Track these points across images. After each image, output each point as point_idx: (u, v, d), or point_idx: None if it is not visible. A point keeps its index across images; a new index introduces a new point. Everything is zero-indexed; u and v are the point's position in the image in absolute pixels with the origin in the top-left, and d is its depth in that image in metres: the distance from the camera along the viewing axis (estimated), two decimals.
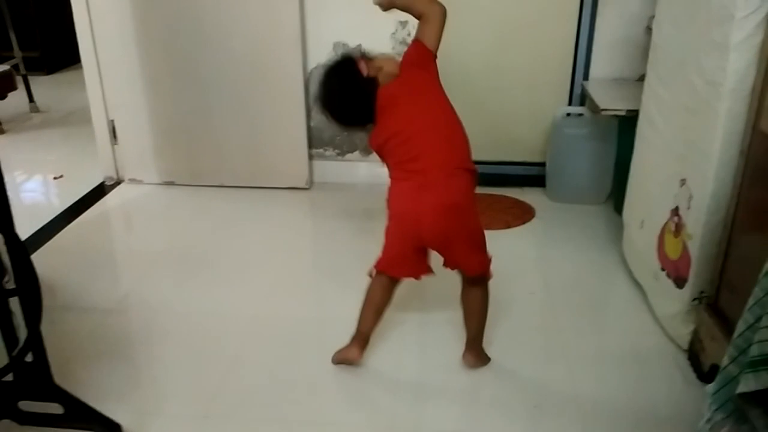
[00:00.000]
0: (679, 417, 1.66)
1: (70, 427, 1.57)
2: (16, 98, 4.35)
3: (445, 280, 1.77)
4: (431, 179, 1.64)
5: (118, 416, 1.57)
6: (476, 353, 1.85)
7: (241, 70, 2.98)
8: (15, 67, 4.40)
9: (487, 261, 1.76)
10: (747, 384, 1.18)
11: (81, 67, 3.10)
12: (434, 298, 2.14)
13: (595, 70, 2.99)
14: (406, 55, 1.78)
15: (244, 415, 1.70)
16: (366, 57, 1.76)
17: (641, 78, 2.46)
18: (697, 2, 1.81)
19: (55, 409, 1.54)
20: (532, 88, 3.13)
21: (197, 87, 3.03)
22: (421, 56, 1.73)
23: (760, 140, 1.60)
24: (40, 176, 3.46)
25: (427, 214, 1.63)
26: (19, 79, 4.36)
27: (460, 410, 1.72)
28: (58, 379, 1.54)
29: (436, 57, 1.75)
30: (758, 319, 1.20)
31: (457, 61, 3.12)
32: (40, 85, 4.83)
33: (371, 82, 1.70)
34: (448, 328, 1.96)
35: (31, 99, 4.53)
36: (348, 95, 1.74)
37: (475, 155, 3.23)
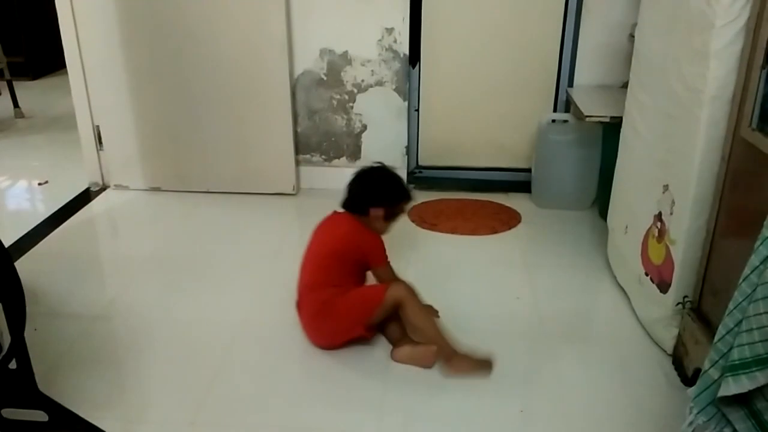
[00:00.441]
0: (664, 421, 1.68)
1: None
2: (1, 104, 4.32)
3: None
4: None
5: (104, 424, 1.56)
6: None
7: (228, 76, 2.98)
8: (0, 72, 4.38)
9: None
10: (727, 388, 1.20)
11: (66, 72, 3.08)
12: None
13: (579, 77, 3.02)
14: (356, 240, 2.02)
15: (230, 421, 1.70)
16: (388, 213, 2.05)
17: (625, 85, 2.49)
18: (678, 10, 1.84)
19: (40, 416, 1.52)
20: (517, 95, 3.16)
21: (183, 93, 3.02)
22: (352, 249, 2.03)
23: (740, 147, 1.63)
24: (25, 182, 3.44)
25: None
26: (3, 85, 4.33)
27: (448, 413, 1.73)
28: (43, 387, 1.53)
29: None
30: (738, 323, 1.22)
31: (443, 69, 3.14)
32: (26, 90, 4.81)
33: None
34: None
35: (15, 104, 4.51)
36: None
37: (462, 161, 3.28)
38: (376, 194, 2.03)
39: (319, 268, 1.99)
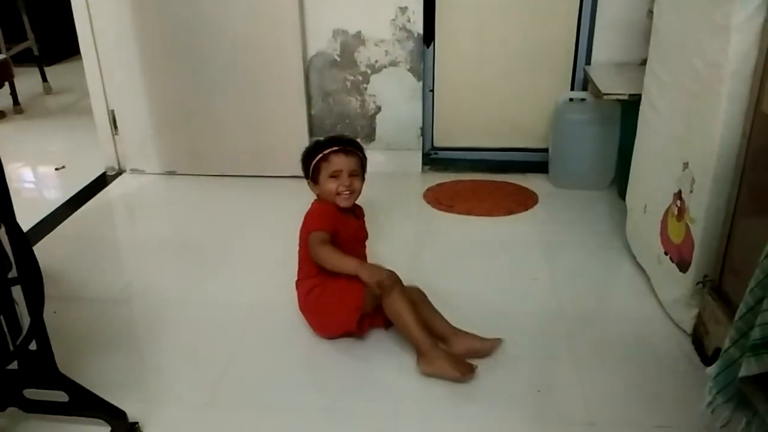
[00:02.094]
0: (684, 401, 1.66)
1: (76, 415, 1.57)
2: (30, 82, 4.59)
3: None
4: None
5: (123, 405, 1.57)
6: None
7: (241, 59, 2.96)
8: (29, 50, 4.57)
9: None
10: (749, 368, 1.17)
11: (80, 59, 3.09)
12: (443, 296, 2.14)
13: (597, 55, 2.97)
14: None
15: (248, 402, 1.71)
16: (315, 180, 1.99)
17: (643, 62, 2.44)
18: None
19: (61, 397, 1.54)
20: (533, 74, 3.12)
21: (197, 77, 3.02)
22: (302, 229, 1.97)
23: (762, 122, 1.59)
24: (42, 167, 3.47)
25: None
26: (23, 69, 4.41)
27: (462, 396, 1.72)
28: (63, 368, 1.54)
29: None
30: (759, 301, 1.20)
31: (457, 48, 3.11)
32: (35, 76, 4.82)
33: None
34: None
35: (44, 79, 4.70)
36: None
37: (478, 141, 3.25)
38: (305, 173, 2.01)
39: (300, 261, 1.98)
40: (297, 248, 1.98)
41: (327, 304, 1.89)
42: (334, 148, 1.95)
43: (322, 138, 2.06)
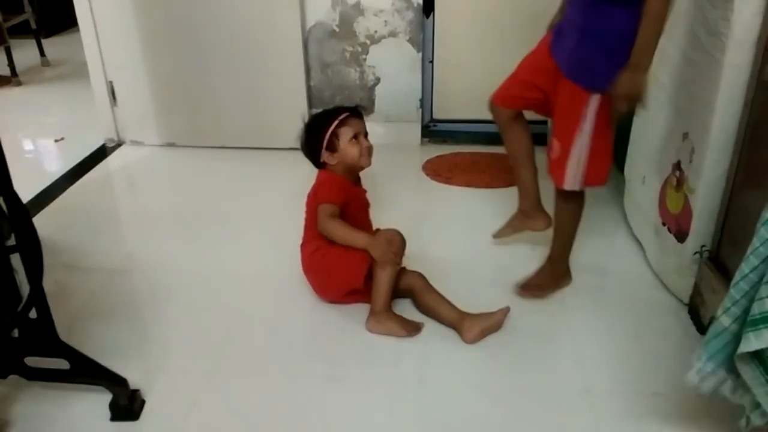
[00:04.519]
0: (679, 370, 1.65)
1: (77, 382, 1.59)
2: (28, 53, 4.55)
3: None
4: None
5: (124, 372, 1.59)
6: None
7: (240, 30, 2.93)
8: (26, 22, 4.52)
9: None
10: (748, 343, 1.17)
11: (77, 31, 3.06)
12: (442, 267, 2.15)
13: None
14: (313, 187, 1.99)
15: (248, 370, 1.73)
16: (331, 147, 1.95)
17: None
18: None
19: (62, 364, 1.56)
20: (534, 45, 3.08)
21: (196, 48, 2.99)
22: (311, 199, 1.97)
23: (763, 92, 1.59)
24: (42, 139, 3.46)
25: None
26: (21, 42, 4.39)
27: (460, 365, 1.74)
28: (65, 337, 1.55)
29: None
30: (753, 269, 1.20)
31: (458, 18, 3.08)
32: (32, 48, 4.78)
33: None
34: (460, 292, 1.97)
35: (42, 53, 4.66)
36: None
37: (478, 114, 3.18)
38: (312, 148, 1.97)
39: (306, 226, 1.98)
40: (297, 218, 1.98)
41: (332, 262, 1.89)
42: (347, 113, 1.96)
43: (320, 110, 2.04)
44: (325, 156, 1.96)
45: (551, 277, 2.02)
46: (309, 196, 1.97)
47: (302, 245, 2.00)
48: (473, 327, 1.81)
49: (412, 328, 1.83)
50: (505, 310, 1.85)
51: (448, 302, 1.87)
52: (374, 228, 2.02)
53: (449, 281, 1.95)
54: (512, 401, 1.62)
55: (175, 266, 2.21)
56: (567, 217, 1.93)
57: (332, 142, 1.94)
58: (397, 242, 1.82)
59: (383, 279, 1.83)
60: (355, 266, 1.84)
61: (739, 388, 1.28)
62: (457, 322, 1.83)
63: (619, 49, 1.59)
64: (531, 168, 2.07)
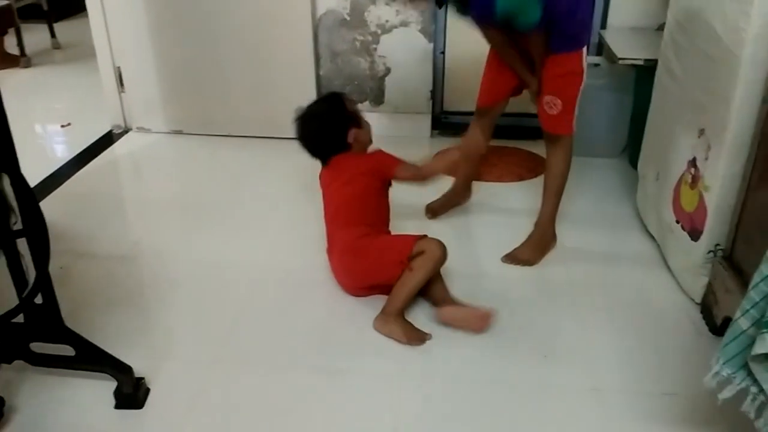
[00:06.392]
0: (691, 370, 1.65)
1: (82, 369, 1.58)
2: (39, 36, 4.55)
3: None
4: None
5: (129, 360, 1.57)
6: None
7: (249, 17, 2.91)
8: (38, 5, 4.51)
9: None
10: (763, 344, 1.15)
11: (86, 16, 3.04)
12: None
13: (612, 19, 2.91)
14: (369, 166, 1.98)
15: (253, 360, 1.72)
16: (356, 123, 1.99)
17: (660, 27, 2.39)
18: None
19: (67, 351, 1.54)
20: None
21: (204, 34, 2.97)
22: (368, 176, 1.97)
23: None
24: (49, 124, 3.44)
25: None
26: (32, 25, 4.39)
27: (467, 360, 1.72)
28: (70, 323, 1.54)
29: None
30: None
31: None
32: (43, 32, 4.77)
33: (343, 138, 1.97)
34: (460, 277, 1.95)
35: (53, 35, 4.66)
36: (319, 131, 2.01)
37: None
38: (334, 131, 1.97)
39: (349, 210, 1.95)
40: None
41: (377, 247, 1.88)
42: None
43: (320, 98, 2.09)
44: (354, 133, 1.96)
45: (539, 246, 2.15)
46: (360, 175, 1.94)
47: (348, 229, 1.93)
48: (449, 311, 1.82)
49: (415, 338, 1.77)
50: (490, 313, 1.81)
51: (443, 282, 1.89)
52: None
53: (456, 275, 1.94)
54: (519, 398, 1.60)
55: (181, 254, 2.19)
56: (563, 165, 2.12)
57: (358, 117, 1.99)
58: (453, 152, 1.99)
59: (409, 283, 1.80)
60: (396, 256, 1.81)
61: (759, 399, 1.24)
62: (441, 301, 1.85)
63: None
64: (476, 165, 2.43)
